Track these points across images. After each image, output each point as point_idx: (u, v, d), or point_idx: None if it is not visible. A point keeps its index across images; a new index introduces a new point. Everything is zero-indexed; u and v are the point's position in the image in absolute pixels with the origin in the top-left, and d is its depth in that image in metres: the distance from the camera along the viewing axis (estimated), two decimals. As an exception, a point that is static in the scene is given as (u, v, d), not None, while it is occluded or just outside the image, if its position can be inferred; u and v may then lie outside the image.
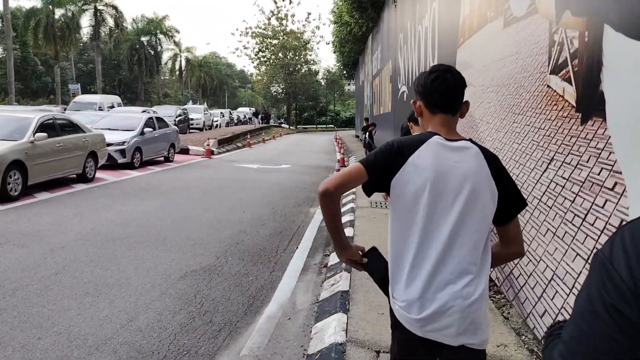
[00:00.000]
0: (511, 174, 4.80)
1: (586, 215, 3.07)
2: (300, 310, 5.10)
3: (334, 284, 5.40)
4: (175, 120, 29.42)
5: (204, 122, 36.52)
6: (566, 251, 3.36)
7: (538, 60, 3.92)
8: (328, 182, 2.01)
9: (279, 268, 6.40)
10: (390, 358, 2.16)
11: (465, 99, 2.11)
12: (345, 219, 8.87)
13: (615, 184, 2.73)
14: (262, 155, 23.38)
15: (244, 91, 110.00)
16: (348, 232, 7.77)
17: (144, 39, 62.77)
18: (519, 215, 2.07)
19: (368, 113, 29.96)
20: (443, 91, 2.02)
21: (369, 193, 2.05)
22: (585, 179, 3.08)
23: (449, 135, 2.00)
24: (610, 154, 2.79)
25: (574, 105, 3.26)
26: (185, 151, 21.26)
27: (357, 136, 27.73)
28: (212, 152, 21.49)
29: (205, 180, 13.73)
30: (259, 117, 60.60)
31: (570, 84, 3.29)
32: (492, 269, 5.31)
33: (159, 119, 17.97)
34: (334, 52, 41.75)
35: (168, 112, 29.92)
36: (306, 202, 11.16)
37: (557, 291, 3.50)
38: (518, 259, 4.41)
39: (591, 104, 3.01)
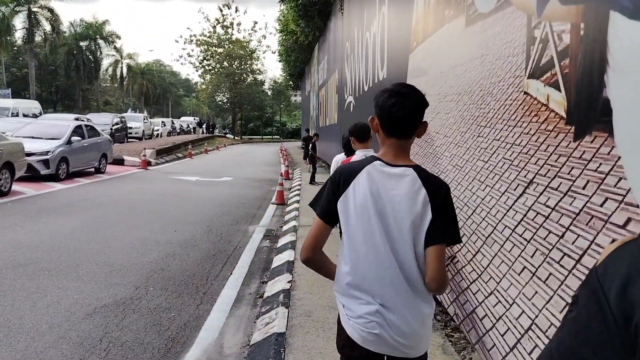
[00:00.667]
0: (475, 196, 4.17)
1: (582, 256, 2.41)
2: (228, 357, 4.28)
3: (268, 323, 4.60)
4: (112, 129, 28.00)
5: (143, 131, 34.97)
6: (551, 297, 2.70)
7: (511, 62, 3.28)
8: (303, 249, 2.12)
9: (208, 300, 5.56)
10: None
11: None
12: (286, 239, 8.10)
13: (629, 220, 2.07)
14: (203, 166, 22.32)
15: (189, 100, 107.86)
16: (288, 255, 7.00)
17: (83, 44, 60.16)
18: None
19: (314, 124, 29.37)
20: (398, 120, 2.00)
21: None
22: (581, 210, 2.43)
23: (395, 159, 2.03)
24: (619, 180, 2.14)
25: (564, 116, 2.61)
26: (119, 162, 19.98)
27: (302, 147, 27.06)
28: (149, 163, 20.30)
29: (137, 195, 12.66)
30: (203, 126, 59.15)
31: (558, 89, 2.64)
32: (450, 302, 4.36)
33: (90, 127, 16.67)
34: (280, 62, 41.12)
35: (104, 120, 28.53)
36: (245, 219, 10.32)
37: (536, 345, 2.84)
38: (484, 298, 3.76)
39: (590, 114, 2.36)
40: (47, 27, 50.02)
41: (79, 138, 15.20)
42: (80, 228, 8.46)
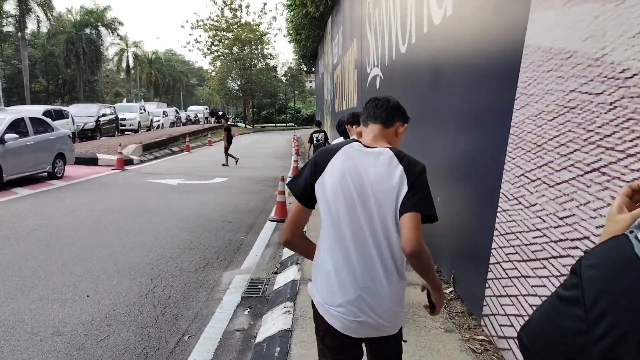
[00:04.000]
0: None
1: None
2: None
3: None
4: (97, 121, 24.45)
5: (139, 122, 31.27)
6: None
7: None
8: (283, 230, 2.15)
9: None
10: None
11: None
12: (277, 318, 4.36)
13: None
14: (197, 163, 18.63)
15: (202, 89, 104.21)
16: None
17: (85, 31, 56.24)
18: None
19: (329, 109, 25.56)
20: (375, 106, 2.18)
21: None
22: None
23: (373, 142, 2.10)
24: None
25: None
26: (92, 161, 16.32)
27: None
28: (129, 162, 16.62)
29: (80, 213, 8.93)
30: (214, 116, 55.32)
31: None
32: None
33: (38, 121, 12.84)
34: (290, 42, 37.16)
35: (90, 111, 24.97)
36: (222, 256, 6.59)
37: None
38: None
39: None
40: (41, 14, 46.42)
41: (17, 136, 11.47)
42: None
